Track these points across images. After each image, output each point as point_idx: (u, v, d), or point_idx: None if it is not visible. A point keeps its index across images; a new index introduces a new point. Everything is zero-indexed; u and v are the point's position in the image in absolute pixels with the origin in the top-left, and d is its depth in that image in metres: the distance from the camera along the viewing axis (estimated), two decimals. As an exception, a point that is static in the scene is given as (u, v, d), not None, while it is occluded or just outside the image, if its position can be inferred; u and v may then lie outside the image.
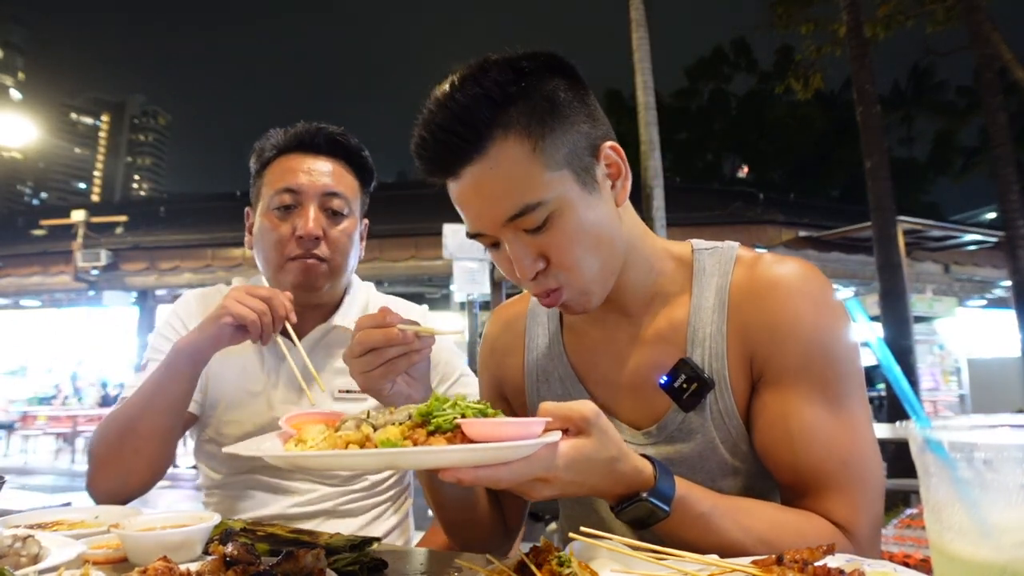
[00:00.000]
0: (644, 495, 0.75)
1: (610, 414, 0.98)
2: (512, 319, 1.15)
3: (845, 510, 0.83)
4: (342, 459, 0.69)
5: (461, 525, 1.05)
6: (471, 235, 0.89)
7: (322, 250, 1.30)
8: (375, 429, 0.71)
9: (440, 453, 0.65)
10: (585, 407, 0.72)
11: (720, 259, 0.96)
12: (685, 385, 0.91)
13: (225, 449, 0.78)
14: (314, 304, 1.36)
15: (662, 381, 0.92)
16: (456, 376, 1.45)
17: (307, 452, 0.71)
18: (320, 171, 1.33)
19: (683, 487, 0.78)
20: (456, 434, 0.68)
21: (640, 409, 0.97)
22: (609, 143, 0.89)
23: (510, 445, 0.65)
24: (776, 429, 0.87)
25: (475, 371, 1.32)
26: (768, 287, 0.91)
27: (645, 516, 0.76)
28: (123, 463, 1.18)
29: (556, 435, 0.70)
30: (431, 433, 0.68)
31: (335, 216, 1.33)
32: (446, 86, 0.82)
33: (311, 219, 1.28)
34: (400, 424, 0.70)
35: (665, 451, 0.93)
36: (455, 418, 0.69)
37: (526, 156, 0.80)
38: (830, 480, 0.84)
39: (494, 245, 0.89)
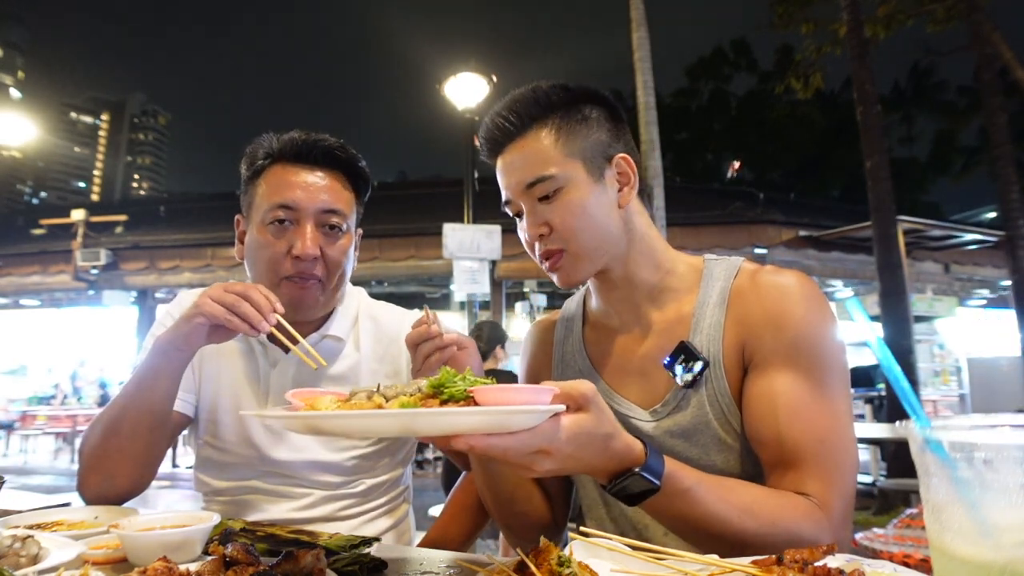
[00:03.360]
0: (636, 470, 0.80)
1: (621, 396, 1.11)
2: (547, 324, 1.32)
3: (819, 485, 0.90)
4: (360, 420, 0.70)
5: (514, 517, 1.14)
6: (504, 203, 1.11)
7: (319, 269, 1.26)
8: (387, 400, 0.72)
9: (455, 415, 0.67)
10: (584, 386, 0.76)
11: (726, 267, 1.10)
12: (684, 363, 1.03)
13: (242, 412, 0.78)
14: (307, 320, 1.34)
15: (665, 361, 1.05)
16: None
17: (326, 412, 0.71)
18: (317, 186, 1.28)
19: (671, 464, 0.84)
20: (468, 403, 0.69)
21: (647, 390, 1.09)
22: (622, 155, 1.09)
23: (521, 409, 0.67)
24: (763, 405, 0.96)
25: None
26: (764, 287, 1.03)
27: (637, 491, 0.81)
28: (108, 464, 1.16)
29: (561, 407, 0.73)
30: (444, 402, 0.69)
31: (332, 232, 1.29)
32: (514, 91, 1.09)
33: (308, 238, 1.24)
34: (411, 395, 0.72)
35: (666, 424, 1.05)
36: (466, 388, 0.70)
37: (551, 144, 1.04)
38: (808, 456, 0.92)
39: (519, 215, 1.09)
